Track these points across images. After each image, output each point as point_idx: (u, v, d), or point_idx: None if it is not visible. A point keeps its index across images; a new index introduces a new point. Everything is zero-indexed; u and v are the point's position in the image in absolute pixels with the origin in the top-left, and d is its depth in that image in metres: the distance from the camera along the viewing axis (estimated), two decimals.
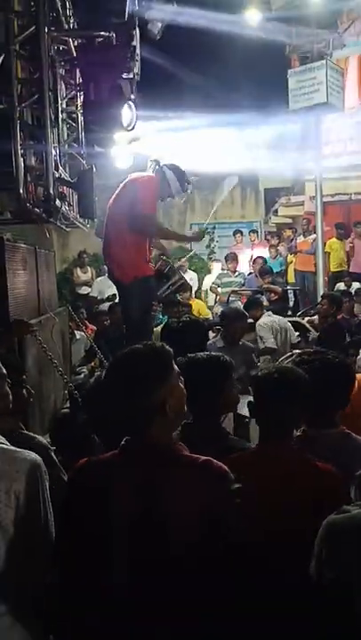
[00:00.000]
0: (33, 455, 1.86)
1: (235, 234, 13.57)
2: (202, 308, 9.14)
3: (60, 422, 3.62)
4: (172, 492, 1.71)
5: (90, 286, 11.66)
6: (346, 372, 2.65)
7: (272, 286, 9.40)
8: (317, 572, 1.71)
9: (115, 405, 1.82)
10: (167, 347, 1.87)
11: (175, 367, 1.86)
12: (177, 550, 1.69)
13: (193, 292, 10.04)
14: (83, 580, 1.75)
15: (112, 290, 9.50)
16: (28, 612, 1.80)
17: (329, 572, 1.66)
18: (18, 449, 1.88)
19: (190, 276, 10.90)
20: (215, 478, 1.77)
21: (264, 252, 12.47)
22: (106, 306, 8.84)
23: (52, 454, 2.53)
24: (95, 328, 8.36)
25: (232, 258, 11.22)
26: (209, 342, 5.17)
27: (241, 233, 13.66)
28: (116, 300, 7.92)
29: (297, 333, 7.09)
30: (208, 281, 11.91)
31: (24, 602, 1.80)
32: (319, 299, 9.24)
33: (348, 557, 1.63)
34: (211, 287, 11.25)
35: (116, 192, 4.63)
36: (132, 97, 4.95)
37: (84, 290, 11.66)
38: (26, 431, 2.70)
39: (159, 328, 8.49)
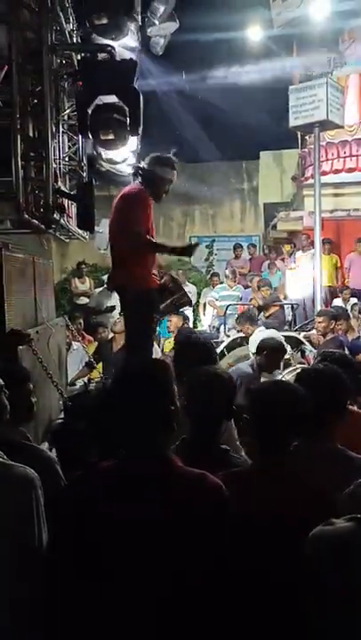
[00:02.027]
0: (28, 471, 1.87)
1: (235, 248, 13.60)
2: None
3: (57, 434, 3.62)
4: (168, 503, 1.72)
5: (88, 297, 11.68)
6: (343, 386, 2.66)
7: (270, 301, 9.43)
8: (308, 585, 1.71)
9: (119, 418, 1.84)
10: (167, 363, 1.91)
11: (174, 383, 1.88)
12: (171, 562, 1.70)
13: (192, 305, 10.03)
14: (78, 591, 1.75)
15: (111, 301, 9.54)
16: (20, 628, 1.80)
17: (319, 586, 1.66)
18: (14, 464, 1.89)
19: (189, 289, 10.90)
20: (210, 492, 1.79)
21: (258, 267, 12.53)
22: (105, 317, 8.86)
23: (57, 466, 2.53)
24: (92, 339, 8.37)
25: (231, 273, 11.26)
26: (241, 369, 5.10)
27: (241, 247, 13.70)
28: (115, 312, 7.96)
29: (288, 348, 7.10)
30: (206, 294, 11.93)
31: (16, 617, 1.80)
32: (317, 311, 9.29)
33: (333, 570, 1.63)
34: (209, 301, 11.27)
35: (113, 205, 4.67)
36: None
37: (83, 300, 11.66)
38: (30, 442, 2.70)
39: (164, 341, 8.53)
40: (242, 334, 7.97)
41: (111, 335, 7.53)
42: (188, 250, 5.01)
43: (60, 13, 5.35)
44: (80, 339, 7.91)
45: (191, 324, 9.37)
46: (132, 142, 5.30)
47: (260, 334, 7.15)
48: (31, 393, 2.65)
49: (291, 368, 6.09)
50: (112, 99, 4.64)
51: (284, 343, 5.36)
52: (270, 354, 5.01)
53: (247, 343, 6.59)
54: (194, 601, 1.72)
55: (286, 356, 6.80)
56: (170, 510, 1.72)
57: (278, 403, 2.17)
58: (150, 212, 4.58)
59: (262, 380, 4.87)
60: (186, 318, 7.97)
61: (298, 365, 4.76)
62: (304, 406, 2.20)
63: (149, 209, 4.56)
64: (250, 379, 4.64)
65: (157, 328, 7.26)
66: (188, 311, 10.73)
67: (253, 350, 6.79)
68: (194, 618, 1.71)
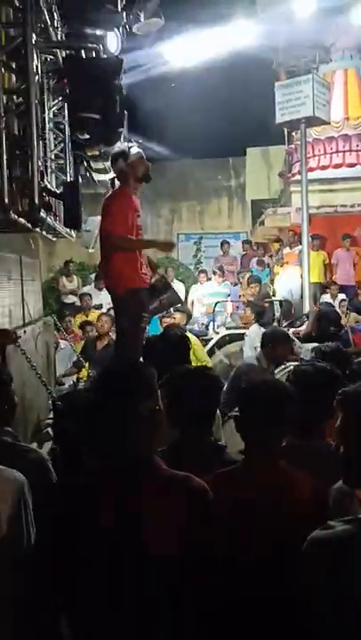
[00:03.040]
0: (17, 474, 1.87)
1: (222, 244, 13.62)
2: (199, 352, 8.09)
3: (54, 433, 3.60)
4: (152, 506, 1.72)
5: (76, 295, 11.65)
6: (334, 383, 2.66)
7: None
8: (305, 588, 1.70)
9: (103, 418, 1.83)
10: (150, 366, 1.91)
11: (156, 383, 1.88)
12: (156, 565, 1.69)
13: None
14: (65, 593, 1.75)
15: (98, 299, 9.53)
16: (7, 630, 1.79)
17: (316, 590, 1.64)
18: (2, 467, 1.88)
19: (177, 287, 10.91)
20: (194, 494, 1.78)
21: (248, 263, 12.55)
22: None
23: (49, 465, 2.51)
24: (80, 335, 8.36)
25: (219, 269, 11.27)
26: (248, 362, 5.13)
27: (228, 243, 13.71)
28: (103, 310, 7.95)
29: None
30: (194, 291, 11.95)
31: (4, 619, 1.79)
32: (305, 309, 9.33)
33: (333, 573, 1.62)
34: (197, 297, 11.27)
35: (101, 208, 4.73)
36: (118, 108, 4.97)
37: (70, 299, 11.64)
38: (21, 443, 2.68)
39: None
40: (231, 331, 8.00)
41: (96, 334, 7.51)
42: (167, 243, 5.09)
43: (45, 11, 5.32)
44: (69, 337, 7.89)
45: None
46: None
47: (258, 330, 7.22)
48: (13, 394, 2.63)
49: (283, 366, 6.12)
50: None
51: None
52: (278, 345, 5.02)
53: (236, 340, 6.63)
54: (179, 603, 1.72)
55: None
56: (154, 513, 1.71)
57: (266, 401, 2.16)
58: (135, 214, 4.60)
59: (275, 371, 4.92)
60: (189, 315, 7.97)
61: (290, 364, 4.78)
62: (292, 404, 2.20)
63: (133, 211, 4.59)
64: (257, 371, 4.66)
65: (147, 327, 7.25)
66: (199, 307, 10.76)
67: (252, 345, 6.86)
68: (179, 621, 1.72)
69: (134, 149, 4.74)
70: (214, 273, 11.41)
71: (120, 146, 4.80)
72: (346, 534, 1.64)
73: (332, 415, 2.55)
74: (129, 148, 4.75)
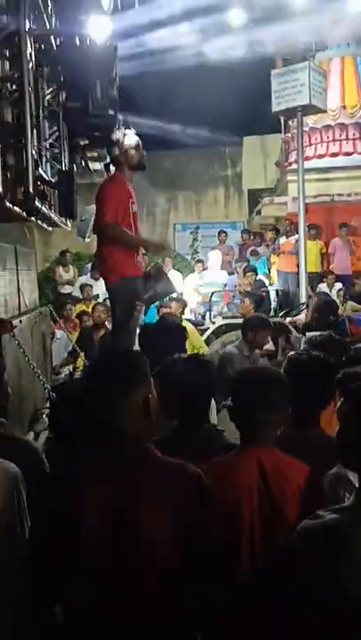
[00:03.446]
0: (11, 466, 1.87)
1: (219, 234, 13.59)
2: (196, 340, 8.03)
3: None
4: (148, 493, 1.72)
5: (72, 285, 11.63)
6: (328, 373, 2.67)
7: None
8: (294, 578, 1.70)
9: (95, 406, 1.83)
10: (141, 355, 1.92)
11: (149, 371, 1.87)
12: (154, 552, 1.69)
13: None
14: (60, 580, 1.75)
15: (95, 289, 9.52)
16: (3, 623, 1.80)
17: (306, 580, 1.64)
18: None
19: (173, 277, 10.90)
20: (189, 481, 1.79)
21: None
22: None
23: (43, 457, 2.51)
24: (78, 323, 8.37)
25: (213, 257, 11.27)
26: (232, 347, 5.19)
27: (225, 233, 13.68)
28: (99, 300, 7.95)
29: None
30: (190, 280, 11.93)
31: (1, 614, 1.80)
32: (302, 299, 9.33)
33: (323, 563, 1.62)
34: (193, 287, 11.25)
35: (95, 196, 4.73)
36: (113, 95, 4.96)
37: (67, 289, 11.61)
38: (14, 434, 2.67)
39: None
40: (227, 321, 8.00)
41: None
42: (160, 246, 5.09)
43: None
44: (69, 326, 7.91)
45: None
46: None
47: None
48: (7, 385, 2.63)
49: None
50: None
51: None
52: (256, 329, 5.07)
53: (233, 329, 6.64)
54: (178, 591, 1.72)
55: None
56: (150, 500, 1.71)
57: (258, 388, 2.16)
58: (129, 201, 4.59)
59: (257, 356, 4.98)
60: (185, 305, 7.96)
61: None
62: (284, 390, 2.20)
63: (126, 198, 4.58)
64: (237, 359, 4.71)
65: (142, 316, 7.25)
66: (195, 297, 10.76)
67: None
68: (177, 610, 1.72)
69: (130, 137, 4.72)
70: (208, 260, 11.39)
71: (116, 132, 4.77)
72: (334, 524, 1.64)
73: (326, 405, 2.57)
74: (125, 134, 4.73)
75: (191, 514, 1.74)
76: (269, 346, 7.02)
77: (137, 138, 4.74)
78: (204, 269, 11.70)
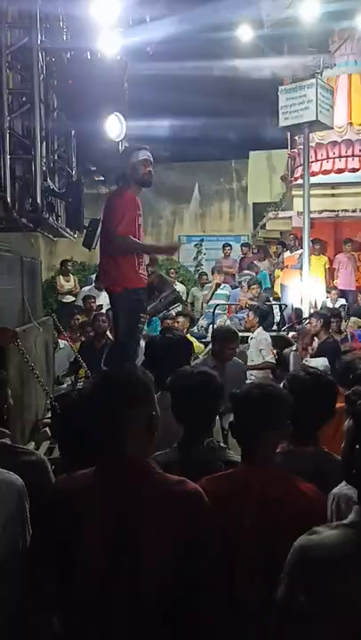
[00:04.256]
0: (15, 478, 1.88)
1: (224, 247, 13.62)
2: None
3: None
4: (148, 510, 1.72)
5: (72, 294, 11.64)
6: (329, 389, 2.68)
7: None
8: (289, 595, 1.69)
9: (98, 422, 1.84)
10: (146, 372, 1.91)
11: (153, 389, 1.88)
12: (153, 568, 1.69)
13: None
14: (59, 596, 1.75)
15: (99, 300, 9.53)
16: (4, 632, 1.80)
17: (302, 596, 1.64)
18: (4, 471, 1.89)
19: (178, 289, 10.93)
20: (189, 499, 1.79)
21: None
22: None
23: (48, 468, 2.51)
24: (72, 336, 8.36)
25: (218, 270, 11.29)
26: (200, 360, 5.21)
27: (230, 246, 13.71)
28: (103, 310, 7.96)
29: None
30: (195, 293, 11.98)
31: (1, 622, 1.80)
32: (306, 314, 9.34)
33: (321, 580, 1.62)
34: (202, 298, 11.29)
35: (103, 207, 4.74)
36: (121, 109, 5.00)
37: (68, 298, 11.61)
38: (19, 445, 2.68)
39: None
40: None
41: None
42: (171, 248, 5.07)
43: (50, 10, 5.33)
44: (71, 336, 7.92)
45: None
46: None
47: (266, 334, 7.28)
48: (8, 397, 2.64)
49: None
50: None
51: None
52: (223, 341, 5.04)
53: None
54: (177, 607, 1.72)
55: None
56: (149, 517, 1.72)
57: (261, 405, 2.15)
58: (136, 213, 4.61)
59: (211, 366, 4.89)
60: (193, 319, 7.98)
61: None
62: (287, 408, 2.20)
63: (134, 210, 4.60)
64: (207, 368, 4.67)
65: (145, 327, 7.26)
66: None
67: (258, 347, 6.92)
68: (176, 627, 1.72)
69: (142, 152, 4.72)
70: (212, 273, 11.42)
71: (129, 145, 4.78)
72: (331, 540, 1.64)
73: (325, 422, 2.58)
74: (138, 149, 4.74)
75: (191, 531, 1.74)
76: (270, 359, 7.05)
77: (147, 154, 4.73)
78: (208, 283, 11.72)
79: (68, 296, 11.65)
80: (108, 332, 6.82)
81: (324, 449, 2.52)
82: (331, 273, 12.43)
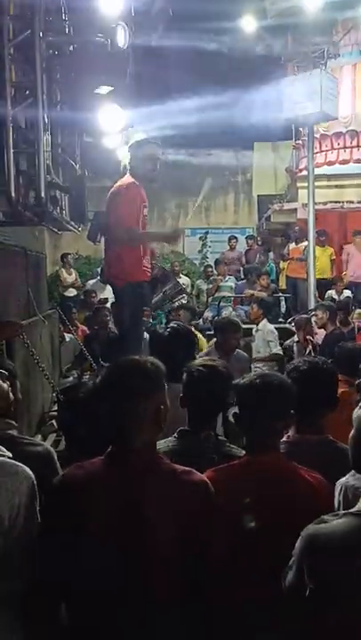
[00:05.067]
0: (27, 469, 1.89)
1: (230, 239, 13.58)
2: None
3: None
4: (155, 501, 1.73)
5: (75, 287, 11.64)
6: (330, 377, 2.68)
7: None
8: (298, 582, 1.71)
9: (107, 413, 1.85)
10: (158, 361, 1.91)
11: (164, 381, 1.89)
12: (160, 558, 1.71)
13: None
14: (67, 585, 1.77)
15: (104, 293, 9.55)
16: (15, 622, 1.82)
17: (311, 584, 1.65)
18: (15, 462, 1.91)
19: (183, 281, 10.94)
20: (195, 489, 1.80)
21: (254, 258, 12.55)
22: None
23: (55, 459, 2.53)
24: (85, 329, 8.39)
25: (221, 262, 11.28)
26: (204, 352, 5.21)
27: (236, 239, 13.68)
28: (108, 304, 7.98)
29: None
30: (200, 285, 11.98)
31: (11, 612, 1.82)
32: (311, 305, 9.32)
33: (330, 569, 1.63)
34: (207, 291, 11.28)
35: (107, 199, 4.71)
36: (125, 101, 4.99)
37: (71, 292, 11.61)
38: (27, 437, 2.70)
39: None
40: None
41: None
42: (174, 235, 5.05)
43: (52, 3, 5.32)
44: (74, 329, 7.93)
45: None
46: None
47: (271, 326, 7.28)
48: (17, 390, 2.66)
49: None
50: None
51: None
52: (223, 331, 5.03)
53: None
54: (183, 597, 1.74)
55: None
56: (156, 507, 1.73)
57: (265, 395, 2.16)
58: (141, 206, 4.59)
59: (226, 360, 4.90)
60: (195, 313, 7.96)
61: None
62: (291, 397, 2.21)
63: (139, 203, 4.57)
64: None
65: (152, 321, 7.27)
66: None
67: (265, 339, 6.92)
68: (183, 615, 1.73)
69: (151, 146, 4.68)
70: (216, 265, 11.41)
71: (140, 137, 4.73)
72: (339, 528, 1.65)
73: (331, 409, 2.59)
74: (148, 143, 4.68)
75: (198, 521, 1.75)
76: (278, 350, 7.05)
77: (157, 150, 4.69)
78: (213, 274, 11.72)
79: (71, 289, 11.64)
80: (110, 325, 6.84)
81: (329, 437, 2.52)
82: (338, 264, 12.38)
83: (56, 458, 2.54)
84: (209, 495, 1.82)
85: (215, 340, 5.16)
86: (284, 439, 2.32)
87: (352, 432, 1.81)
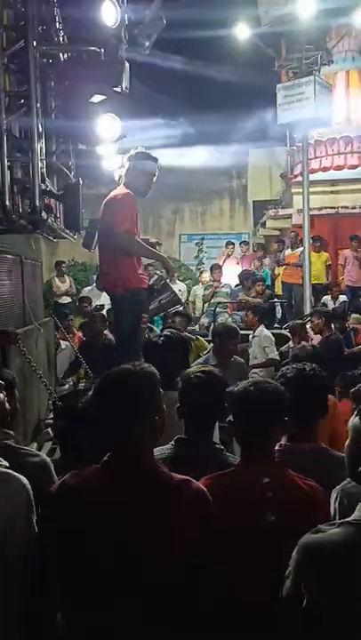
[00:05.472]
0: (22, 478, 1.90)
1: (227, 245, 13.60)
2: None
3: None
4: (152, 509, 1.74)
5: (69, 295, 11.65)
6: (321, 384, 2.69)
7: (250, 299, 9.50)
8: (295, 593, 1.70)
9: (105, 422, 1.85)
10: (153, 368, 1.91)
11: (160, 389, 1.89)
12: (155, 568, 1.70)
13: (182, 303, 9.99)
14: (63, 594, 1.77)
15: (100, 300, 9.56)
16: (12, 628, 1.82)
17: (307, 594, 1.64)
18: (11, 472, 1.91)
19: (179, 287, 10.95)
20: (193, 498, 1.80)
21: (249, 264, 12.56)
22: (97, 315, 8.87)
23: (52, 469, 2.53)
24: (81, 336, 8.39)
25: (216, 267, 11.30)
26: (202, 359, 5.22)
27: (233, 244, 13.70)
28: (104, 311, 7.99)
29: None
30: (196, 291, 11.97)
31: (8, 619, 1.82)
32: (307, 310, 9.35)
33: (327, 578, 1.62)
34: (203, 297, 11.29)
35: (101, 208, 4.73)
36: (119, 110, 4.99)
37: (65, 299, 11.62)
38: (24, 447, 2.70)
39: None
40: None
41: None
42: (170, 266, 5.08)
43: (46, 12, 5.34)
44: (70, 337, 7.93)
45: None
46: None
47: (268, 331, 7.28)
48: (15, 399, 2.66)
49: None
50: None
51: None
52: (221, 337, 5.04)
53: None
54: (179, 605, 1.73)
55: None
56: (154, 515, 1.73)
57: (259, 403, 2.16)
58: (136, 216, 4.62)
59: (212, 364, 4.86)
60: (190, 319, 7.97)
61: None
62: (285, 406, 2.21)
63: (135, 212, 4.60)
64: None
65: (155, 328, 7.27)
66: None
67: (261, 345, 6.92)
68: (177, 623, 1.73)
69: (151, 164, 4.70)
70: (211, 271, 11.41)
71: (140, 149, 4.77)
72: (336, 538, 1.64)
73: (322, 416, 2.59)
74: (148, 158, 4.71)
75: (195, 530, 1.75)
76: (275, 356, 7.06)
77: (156, 168, 4.71)
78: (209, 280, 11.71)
79: (65, 297, 11.65)
80: (106, 332, 6.84)
81: (322, 445, 2.53)
82: (333, 270, 12.42)
83: (53, 468, 2.54)
84: (206, 504, 1.82)
85: (213, 345, 5.17)
86: (277, 447, 2.32)
87: (348, 440, 1.81)
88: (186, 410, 2.52)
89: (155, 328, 6.52)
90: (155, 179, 4.74)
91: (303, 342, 5.85)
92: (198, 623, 1.77)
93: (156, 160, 4.74)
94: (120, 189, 4.71)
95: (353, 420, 1.81)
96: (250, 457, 2.18)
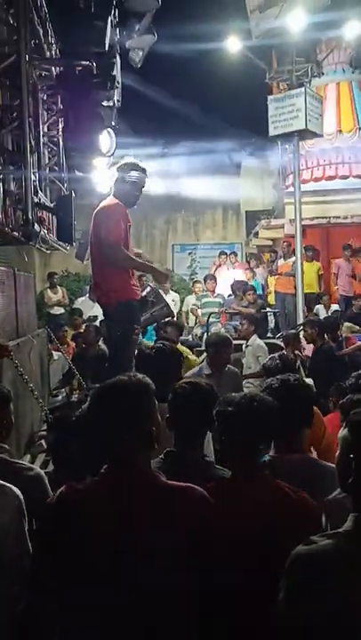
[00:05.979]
0: (15, 490, 1.91)
1: (220, 255, 13.63)
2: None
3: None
4: (154, 518, 1.73)
5: (61, 306, 11.65)
6: (306, 394, 2.70)
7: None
8: (288, 604, 1.70)
9: (100, 434, 1.86)
10: (148, 379, 1.91)
11: (155, 399, 1.90)
12: (157, 576, 1.70)
13: (175, 314, 10.00)
14: (61, 606, 1.76)
15: (92, 311, 9.57)
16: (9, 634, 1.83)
17: (300, 606, 1.64)
18: (2, 483, 1.92)
19: (172, 297, 10.95)
20: (195, 504, 1.80)
21: (241, 274, 12.57)
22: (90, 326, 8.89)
23: (46, 482, 2.53)
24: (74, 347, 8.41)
25: (210, 278, 11.31)
26: (196, 369, 5.22)
27: (226, 254, 13.74)
28: (96, 322, 8.00)
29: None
30: (189, 301, 11.99)
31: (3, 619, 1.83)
32: (299, 320, 9.39)
33: (319, 589, 1.62)
34: (191, 308, 11.30)
35: (92, 219, 4.73)
36: (113, 124, 5.04)
37: (57, 310, 11.61)
38: (18, 460, 2.70)
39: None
40: None
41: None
42: (165, 273, 5.07)
43: (39, 27, 5.40)
44: (63, 348, 7.93)
45: None
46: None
47: (261, 341, 7.29)
48: (10, 414, 2.67)
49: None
50: None
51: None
52: (216, 350, 5.05)
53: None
54: (181, 614, 1.73)
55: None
56: (156, 523, 1.73)
57: (248, 416, 2.16)
58: (128, 225, 4.63)
59: (206, 374, 4.91)
60: (182, 329, 7.97)
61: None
62: (274, 418, 2.21)
63: (126, 222, 4.61)
64: (202, 376, 4.67)
65: (141, 338, 7.27)
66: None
67: (255, 354, 6.93)
68: (177, 630, 1.74)
69: (140, 175, 4.70)
70: (205, 281, 11.42)
71: (130, 160, 4.78)
72: (328, 549, 1.65)
73: (306, 427, 2.59)
74: (137, 169, 4.71)
75: (199, 537, 1.75)
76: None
77: (145, 179, 4.70)
78: (202, 291, 11.73)
79: (57, 307, 11.64)
80: (100, 342, 6.85)
81: (310, 455, 2.53)
82: (325, 279, 12.47)
83: (47, 481, 2.54)
84: (209, 509, 1.82)
85: (207, 355, 5.18)
86: (266, 459, 2.32)
87: (338, 452, 1.83)
88: (175, 421, 2.51)
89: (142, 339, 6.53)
90: (138, 187, 4.75)
91: (284, 352, 5.88)
92: (196, 629, 1.77)
93: (144, 170, 4.76)
94: (109, 200, 4.71)
95: (342, 431, 1.82)
96: (240, 469, 2.18)
